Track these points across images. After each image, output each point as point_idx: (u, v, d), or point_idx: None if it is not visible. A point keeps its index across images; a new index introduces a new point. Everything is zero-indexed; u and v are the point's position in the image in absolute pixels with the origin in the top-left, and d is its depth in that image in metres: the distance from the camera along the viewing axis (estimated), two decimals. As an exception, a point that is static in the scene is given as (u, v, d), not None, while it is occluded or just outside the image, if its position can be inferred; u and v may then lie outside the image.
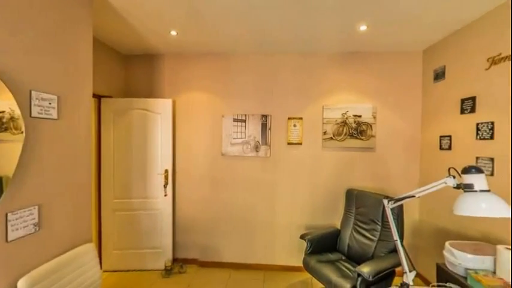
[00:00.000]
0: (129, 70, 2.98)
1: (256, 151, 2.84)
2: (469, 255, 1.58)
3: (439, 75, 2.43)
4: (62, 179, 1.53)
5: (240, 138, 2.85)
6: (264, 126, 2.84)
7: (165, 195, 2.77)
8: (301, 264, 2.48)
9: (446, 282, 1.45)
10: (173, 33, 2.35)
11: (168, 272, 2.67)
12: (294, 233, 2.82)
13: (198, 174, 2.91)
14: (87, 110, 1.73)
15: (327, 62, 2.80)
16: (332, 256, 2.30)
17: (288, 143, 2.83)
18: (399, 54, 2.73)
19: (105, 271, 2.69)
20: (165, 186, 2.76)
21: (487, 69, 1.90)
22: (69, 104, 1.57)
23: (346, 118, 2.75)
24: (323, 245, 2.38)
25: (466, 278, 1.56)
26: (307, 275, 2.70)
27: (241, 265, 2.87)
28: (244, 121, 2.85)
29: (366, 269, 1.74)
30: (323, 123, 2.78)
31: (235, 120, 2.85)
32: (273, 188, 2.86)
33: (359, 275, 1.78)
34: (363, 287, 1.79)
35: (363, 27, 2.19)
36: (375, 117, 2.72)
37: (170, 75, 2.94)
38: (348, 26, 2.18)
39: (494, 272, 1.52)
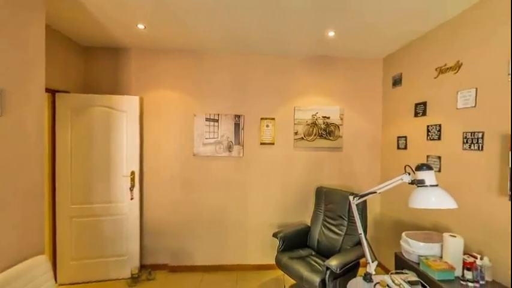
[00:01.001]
0: (90, 63, 2.74)
1: (229, 151, 2.82)
2: (421, 244, 1.77)
3: (397, 82, 2.67)
4: (7, 184, 1.35)
5: (212, 138, 2.80)
6: (237, 126, 2.83)
7: (132, 199, 2.60)
8: (274, 262, 2.53)
9: (403, 269, 1.60)
10: (140, 26, 2.22)
11: (134, 280, 2.51)
12: (267, 231, 2.86)
13: (168, 175, 2.79)
14: (39, 106, 1.55)
15: (299, 65, 2.90)
16: (303, 252, 2.38)
17: (261, 143, 2.86)
18: (363, 61, 2.94)
19: (61, 284, 2.44)
20: (131, 189, 2.60)
21: (435, 78, 2.15)
22: (15, 99, 1.39)
23: (316, 119, 2.88)
24: (295, 242, 2.45)
25: (419, 264, 1.74)
26: (279, 272, 2.77)
27: (214, 267, 2.83)
28: (217, 121, 2.81)
29: (333, 262, 1.84)
30: (294, 123, 2.87)
31: (207, 119, 2.80)
32: (246, 187, 2.87)
33: (327, 268, 1.87)
34: (331, 280, 1.89)
35: (331, 33, 2.31)
36: (342, 119, 2.89)
37: (137, 71, 2.77)
38: (318, 32, 2.28)
39: (441, 257, 1.72)
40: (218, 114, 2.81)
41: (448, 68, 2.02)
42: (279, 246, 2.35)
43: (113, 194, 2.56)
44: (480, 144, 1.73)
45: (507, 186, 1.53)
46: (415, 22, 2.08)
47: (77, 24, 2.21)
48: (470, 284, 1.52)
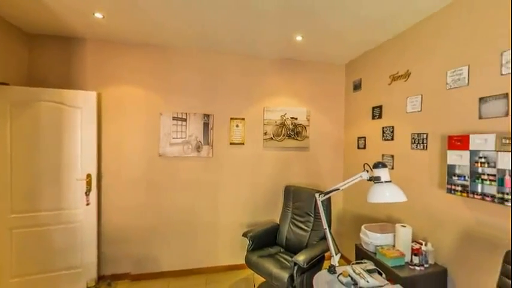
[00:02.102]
0: (36, 53, 2.42)
1: (198, 151, 2.74)
2: (378, 235, 1.94)
3: (357, 86, 2.89)
4: None
5: (180, 138, 2.69)
6: (206, 125, 2.77)
7: (88, 204, 2.37)
8: (244, 262, 2.53)
9: (362, 259, 1.74)
10: (98, 15, 2.03)
11: (91, 293, 2.29)
12: (237, 231, 2.85)
13: (131, 178, 2.61)
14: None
15: (269, 66, 2.95)
16: (272, 250, 2.43)
17: (231, 143, 2.84)
18: (328, 65, 3.11)
19: (-3, 307, 2.11)
20: (87, 194, 2.36)
21: (389, 84, 2.38)
22: None
23: (285, 120, 2.96)
24: (264, 241, 2.49)
25: (375, 254, 1.91)
26: (249, 272, 2.78)
27: (183, 272, 2.72)
28: (185, 120, 2.71)
29: (301, 258, 1.91)
30: (264, 124, 2.92)
31: (175, 118, 2.68)
32: (216, 188, 2.82)
33: (295, 264, 1.94)
34: (299, 274, 1.96)
35: (299, 38, 2.40)
36: (308, 120, 3.03)
37: (95, 64, 2.53)
38: (287, 35, 2.35)
39: (394, 246, 1.91)
40: (186, 113, 2.71)
41: (399, 76, 2.25)
42: (248, 245, 2.37)
43: (65, 200, 2.30)
44: (425, 144, 1.96)
45: (445, 181, 1.76)
46: (373, 32, 2.27)
47: (21, 8, 1.93)
48: (417, 268, 1.72)
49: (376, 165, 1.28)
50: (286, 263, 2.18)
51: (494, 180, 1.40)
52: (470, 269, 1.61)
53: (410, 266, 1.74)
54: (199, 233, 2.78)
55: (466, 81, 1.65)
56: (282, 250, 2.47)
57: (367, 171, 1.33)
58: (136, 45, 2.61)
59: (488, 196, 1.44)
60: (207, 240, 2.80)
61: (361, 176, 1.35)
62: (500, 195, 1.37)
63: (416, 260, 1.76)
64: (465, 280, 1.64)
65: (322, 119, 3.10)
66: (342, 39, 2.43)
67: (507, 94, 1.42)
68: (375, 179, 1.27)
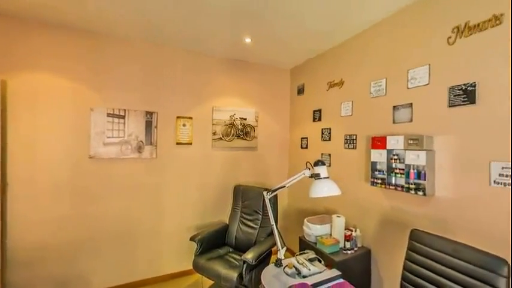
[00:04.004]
0: None
1: (139, 152, 2.49)
2: (318, 226, 2.15)
3: (300, 91, 3.13)
4: None
5: (117, 137, 2.40)
6: (149, 124, 2.54)
7: (-14, 220, 1.87)
8: (192, 267, 2.43)
9: (305, 250, 1.89)
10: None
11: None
12: (184, 236, 2.72)
13: (50, 185, 2.18)
14: None
15: (219, 65, 2.91)
16: (221, 251, 2.41)
17: (177, 143, 2.69)
18: (275, 69, 3.27)
19: None
20: (-15, 207, 1.86)
21: (327, 90, 2.66)
22: None
23: (234, 120, 2.98)
24: (213, 242, 2.45)
25: (316, 243, 2.11)
26: (198, 276, 2.69)
27: (122, 286, 2.43)
28: (123, 117, 2.43)
29: (249, 255, 1.96)
30: (213, 123, 2.86)
31: (110, 115, 2.37)
32: (160, 191, 2.62)
33: (244, 262, 1.97)
34: (248, 272, 2.00)
35: (248, 40, 2.45)
36: (257, 121, 3.12)
37: (-4, 44, 2.02)
38: (237, 36, 2.36)
39: (330, 234, 2.15)
40: (125, 110, 2.43)
41: (335, 84, 2.54)
42: (196, 249, 2.28)
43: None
44: (354, 144, 2.27)
45: (369, 175, 2.08)
46: (314, 42, 2.50)
47: None
48: (348, 252, 1.97)
49: (316, 163, 1.42)
50: (236, 262, 2.19)
51: (403, 174, 1.72)
52: (387, 248, 1.94)
53: (343, 251, 1.99)
54: (141, 242, 2.53)
55: (384, 92, 1.98)
56: (231, 250, 2.47)
57: (309, 169, 1.46)
58: (61, 27, 2.20)
59: (399, 186, 1.76)
60: (150, 248, 2.57)
61: (303, 174, 1.47)
62: (407, 186, 1.70)
63: (348, 245, 2.02)
64: (384, 257, 1.96)
65: (270, 120, 3.24)
66: (287, 46, 2.59)
67: (411, 104, 1.77)
68: (316, 176, 1.40)
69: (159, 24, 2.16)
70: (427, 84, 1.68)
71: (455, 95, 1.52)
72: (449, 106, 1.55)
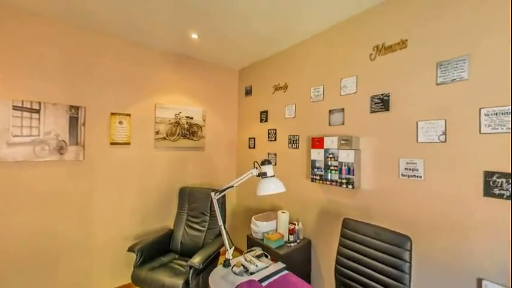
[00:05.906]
0: None
1: (61, 153, 2.10)
2: (264, 223, 2.23)
3: (248, 92, 3.20)
4: None
5: (28, 136, 1.96)
6: (74, 120, 2.17)
7: None
8: (130, 281, 2.19)
9: (252, 247, 1.94)
10: None
11: None
12: (120, 246, 2.42)
13: None
14: None
15: (163, 60, 2.70)
16: (165, 258, 2.24)
17: (112, 143, 2.37)
18: (224, 68, 3.25)
19: None
20: None
21: (273, 93, 2.79)
22: None
23: (180, 119, 2.82)
24: (156, 250, 2.26)
25: (263, 240, 2.18)
26: (137, 290, 2.43)
27: (32, 319, 1.99)
28: (38, 111, 2.00)
29: (196, 260, 1.88)
30: (156, 122, 2.64)
31: (18, 108, 1.92)
32: (89, 199, 2.27)
33: (191, 267, 1.89)
34: (194, 277, 1.92)
35: (195, 36, 2.35)
36: (204, 120, 3.03)
37: None
38: (182, 31, 2.24)
39: (276, 230, 2.26)
40: (40, 103, 2.01)
41: (280, 87, 2.69)
42: (136, 260, 2.07)
43: None
44: (297, 144, 2.45)
45: (309, 172, 2.28)
46: (261, 45, 2.58)
47: None
48: (292, 244, 2.12)
49: (263, 163, 1.47)
50: (181, 268, 2.08)
51: (337, 170, 1.96)
52: (325, 237, 2.17)
53: (287, 244, 2.12)
54: (63, 260, 2.14)
55: (322, 97, 2.21)
56: (176, 257, 2.33)
57: (256, 168, 1.50)
58: None
59: (334, 181, 1.99)
60: (75, 267, 2.19)
61: (251, 173, 1.50)
62: (340, 180, 1.93)
63: (291, 238, 2.16)
64: (322, 246, 2.18)
65: (218, 119, 3.20)
66: (235, 46, 2.61)
67: (343, 109, 2.03)
68: (262, 175, 1.45)
69: (89, 9, 1.86)
70: (355, 93, 1.95)
71: (375, 103, 1.81)
72: (371, 112, 1.84)
